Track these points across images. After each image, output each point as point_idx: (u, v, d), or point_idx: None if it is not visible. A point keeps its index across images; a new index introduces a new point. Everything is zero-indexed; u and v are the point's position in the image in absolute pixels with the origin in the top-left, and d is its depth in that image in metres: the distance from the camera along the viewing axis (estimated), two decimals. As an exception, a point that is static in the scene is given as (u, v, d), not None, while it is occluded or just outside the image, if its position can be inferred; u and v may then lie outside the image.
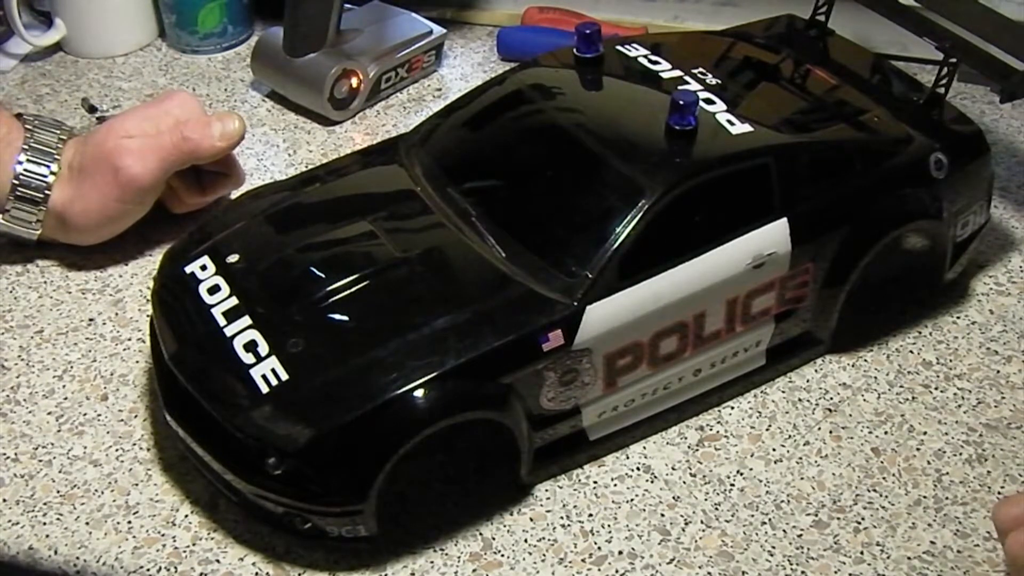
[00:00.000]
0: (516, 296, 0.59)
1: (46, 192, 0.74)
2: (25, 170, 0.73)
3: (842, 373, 0.70)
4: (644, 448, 0.65)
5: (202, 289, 0.62)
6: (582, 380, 0.60)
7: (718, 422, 0.67)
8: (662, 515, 0.61)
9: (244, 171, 0.82)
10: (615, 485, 0.63)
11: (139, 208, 0.76)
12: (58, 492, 0.63)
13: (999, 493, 0.62)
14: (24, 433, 0.66)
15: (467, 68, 1.00)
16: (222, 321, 0.60)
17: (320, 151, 0.89)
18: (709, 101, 0.66)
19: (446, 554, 0.60)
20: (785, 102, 0.71)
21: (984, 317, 0.73)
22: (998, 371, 0.70)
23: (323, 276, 0.61)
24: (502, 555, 0.60)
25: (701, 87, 0.67)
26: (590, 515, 0.61)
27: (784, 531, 0.61)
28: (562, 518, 0.61)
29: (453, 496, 0.62)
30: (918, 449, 0.65)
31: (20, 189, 0.73)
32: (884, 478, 0.63)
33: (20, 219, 0.75)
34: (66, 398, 0.68)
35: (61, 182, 0.74)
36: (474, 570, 0.59)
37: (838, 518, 0.61)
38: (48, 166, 0.74)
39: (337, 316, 0.59)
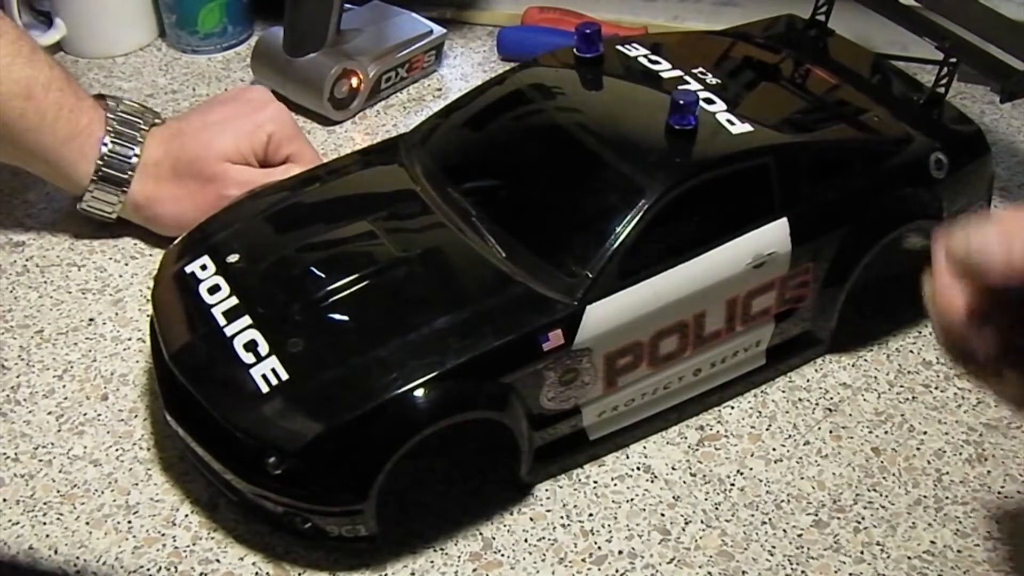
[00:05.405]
0: (516, 296, 0.59)
1: (129, 174, 0.75)
2: (110, 151, 0.74)
3: (842, 373, 0.70)
4: (644, 448, 0.65)
5: (202, 289, 0.62)
6: (582, 380, 0.60)
7: (718, 422, 0.67)
8: (662, 515, 0.61)
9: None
10: (615, 485, 0.63)
11: None
12: (58, 492, 0.63)
13: (999, 493, 0.62)
14: (24, 433, 0.66)
15: (467, 68, 1.00)
16: (222, 321, 0.60)
17: (320, 151, 0.89)
18: (709, 101, 0.66)
19: (446, 554, 0.60)
20: (785, 102, 0.71)
21: (984, 317, 0.73)
22: (998, 371, 0.69)
23: (323, 276, 0.61)
24: (502, 555, 0.60)
25: (701, 87, 0.67)
26: (590, 515, 0.61)
27: (784, 531, 0.61)
28: (562, 518, 0.61)
29: (453, 496, 0.62)
30: (918, 449, 0.65)
31: (104, 170, 0.74)
32: (884, 478, 0.63)
33: (101, 201, 0.76)
34: (66, 398, 0.68)
35: (143, 174, 0.75)
36: (474, 570, 0.59)
37: (838, 518, 0.61)
38: (132, 148, 0.75)
39: (337, 316, 0.59)
